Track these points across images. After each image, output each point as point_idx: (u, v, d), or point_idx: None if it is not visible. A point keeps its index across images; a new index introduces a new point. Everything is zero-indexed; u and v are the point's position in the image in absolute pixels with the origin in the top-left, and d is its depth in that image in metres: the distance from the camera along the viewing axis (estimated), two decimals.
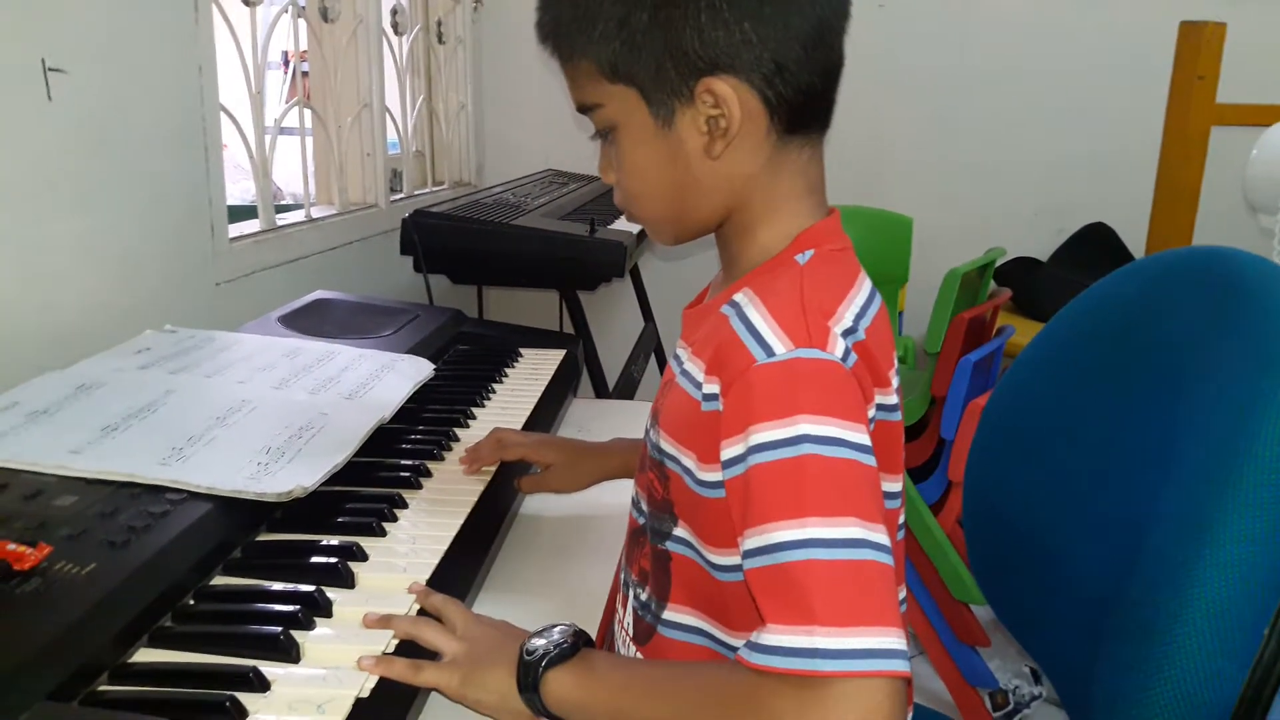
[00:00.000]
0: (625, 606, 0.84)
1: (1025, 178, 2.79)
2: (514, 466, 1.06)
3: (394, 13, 2.31)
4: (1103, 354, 0.86)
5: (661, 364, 2.75)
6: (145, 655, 0.68)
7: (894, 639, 0.57)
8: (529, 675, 0.69)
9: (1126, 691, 0.64)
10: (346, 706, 0.64)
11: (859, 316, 0.69)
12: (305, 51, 1.99)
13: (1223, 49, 1.71)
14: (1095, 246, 2.70)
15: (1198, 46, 1.68)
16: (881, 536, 0.60)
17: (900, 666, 0.57)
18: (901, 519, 0.77)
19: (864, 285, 0.73)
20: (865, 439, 0.63)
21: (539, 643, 0.71)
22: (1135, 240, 2.61)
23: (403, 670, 0.69)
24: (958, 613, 1.86)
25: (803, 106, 0.71)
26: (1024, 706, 1.94)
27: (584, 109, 0.75)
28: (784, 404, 0.62)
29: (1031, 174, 2.78)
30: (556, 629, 0.72)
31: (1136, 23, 2.60)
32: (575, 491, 1.08)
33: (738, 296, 0.70)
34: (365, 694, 0.66)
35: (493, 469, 1.05)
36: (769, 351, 0.65)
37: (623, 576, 0.86)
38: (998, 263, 2.45)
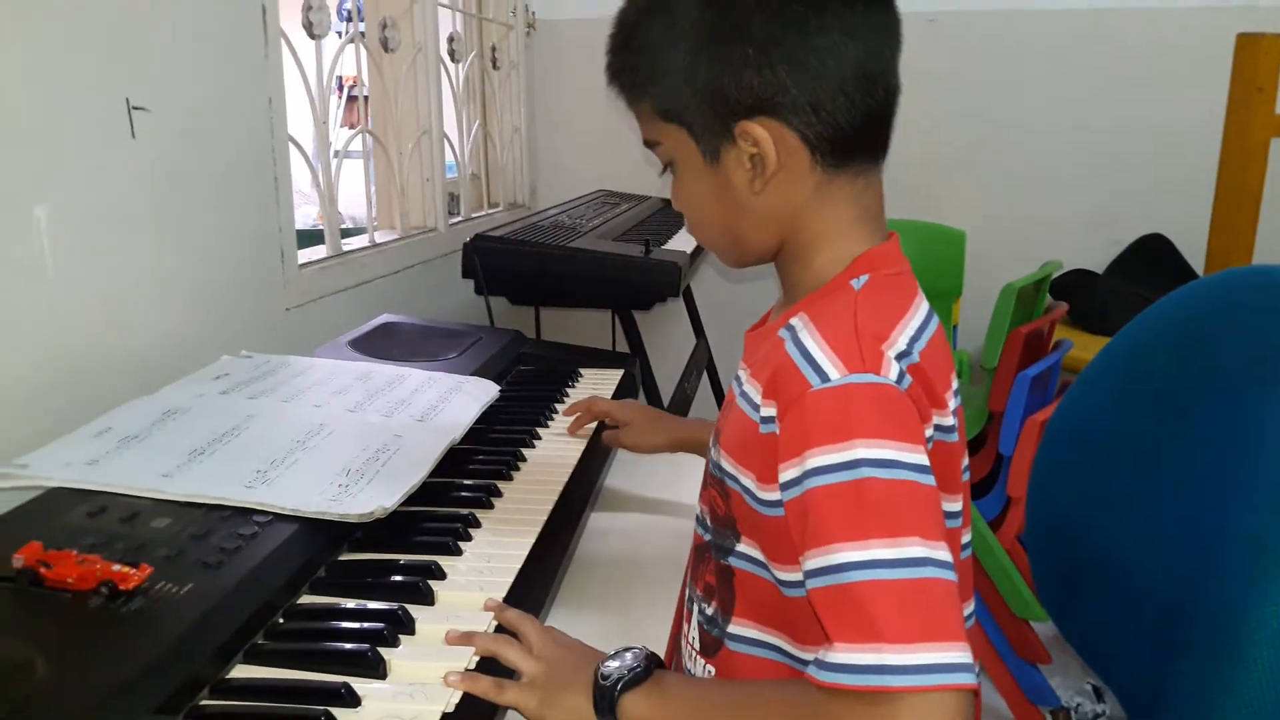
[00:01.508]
0: (690, 621, 0.86)
1: (1080, 190, 2.77)
2: (585, 481, 1.10)
3: (450, 40, 2.37)
4: (1170, 370, 0.87)
5: (714, 381, 2.76)
6: (242, 671, 0.71)
7: (960, 653, 0.59)
8: (604, 699, 0.71)
9: (1195, 709, 0.64)
10: None
11: (913, 340, 0.70)
12: (356, 76, 2.04)
13: None
14: (1152, 258, 2.67)
15: (1255, 58, 1.67)
16: (943, 553, 0.62)
17: (967, 679, 0.59)
18: (966, 538, 0.78)
19: (920, 308, 0.75)
20: (923, 459, 0.64)
21: (613, 666, 0.73)
22: (1192, 252, 2.58)
23: (487, 688, 0.72)
24: (1018, 629, 1.85)
25: (847, 141, 0.74)
26: None
27: (648, 144, 0.81)
28: (839, 429, 0.64)
29: (1086, 186, 2.76)
30: (629, 653, 0.74)
31: (1193, 34, 2.57)
32: (649, 452, 1.20)
33: (794, 320, 0.72)
34: (450, 709, 0.68)
35: (589, 431, 1.21)
36: (824, 377, 0.67)
37: (688, 591, 0.88)
38: (1054, 276, 2.43)
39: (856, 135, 0.74)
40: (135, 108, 1.21)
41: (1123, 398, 0.93)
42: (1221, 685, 0.62)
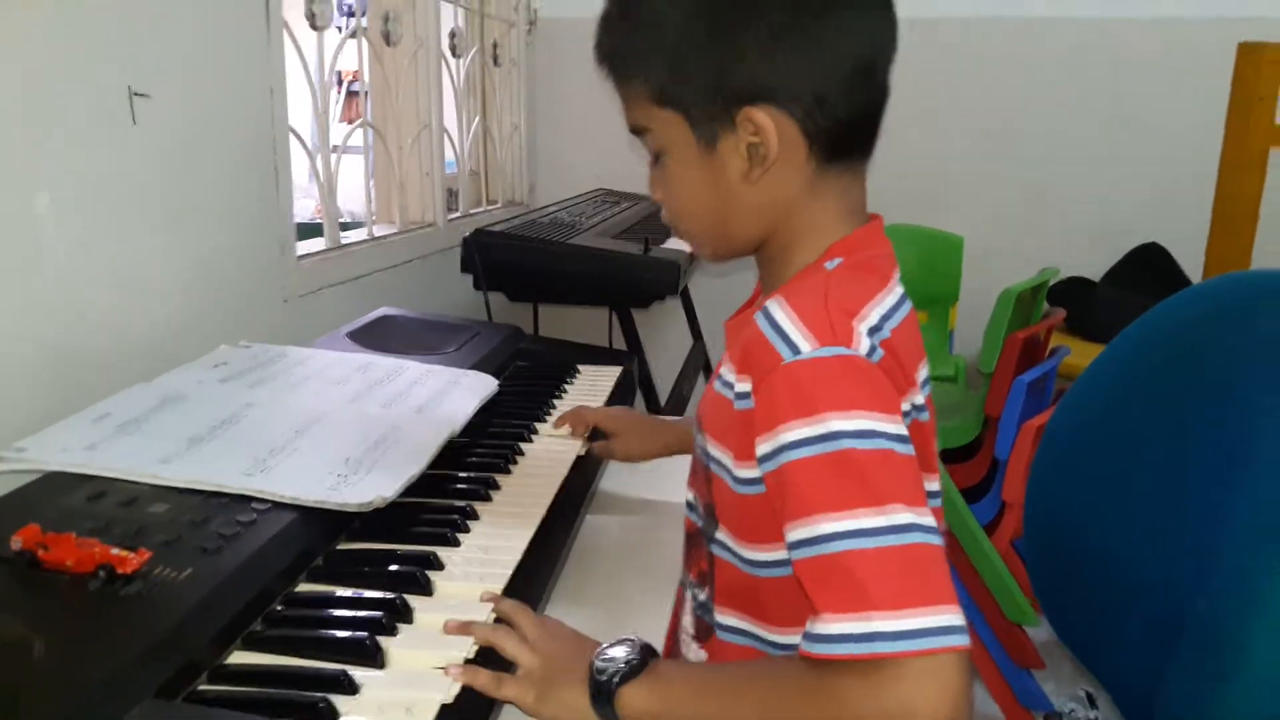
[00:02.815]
0: (685, 608, 0.86)
1: (1078, 198, 2.78)
2: (582, 479, 1.10)
3: (452, 35, 2.37)
4: (1168, 374, 0.87)
5: None
6: (240, 657, 0.71)
7: (952, 615, 0.59)
8: (602, 693, 0.71)
9: (1193, 702, 0.64)
10: (434, 710, 0.66)
11: (885, 317, 0.71)
12: (357, 72, 2.04)
13: None
14: (1149, 267, 2.68)
15: (1257, 68, 1.67)
16: (928, 519, 0.62)
17: (962, 641, 0.59)
18: (942, 525, 0.78)
19: (894, 290, 0.75)
20: (900, 429, 0.65)
21: (608, 659, 0.72)
22: (1189, 261, 2.59)
23: (486, 682, 0.71)
24: (1012, 634, 1.86)
25: (842, 137, 0.73)
26: None
27: (635, 130, 0.79)
28: (811, 402, 0.64)
29: (1085, 194, 2.77)
30: (624, 645, 0.73)
31: (1194, 43, 2.58)
32: (642, 460, 1.17)
33: (768, 302, 0.72)
34: (450, 699, 0.68)
35: (580, 440, 1.18)
36: (795, 350, 0.67)
37: (682, 578, 0.88)
38: (1051, 283, 2.44)
39: (853, 129, 0.74)
40: (136, 94, 1.20)
41: (1121, 401, 0.93)
42: (1221, 677, 0.62)
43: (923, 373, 0.76)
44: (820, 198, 0.75)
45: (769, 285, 0.80)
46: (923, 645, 0.58)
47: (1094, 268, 2.76)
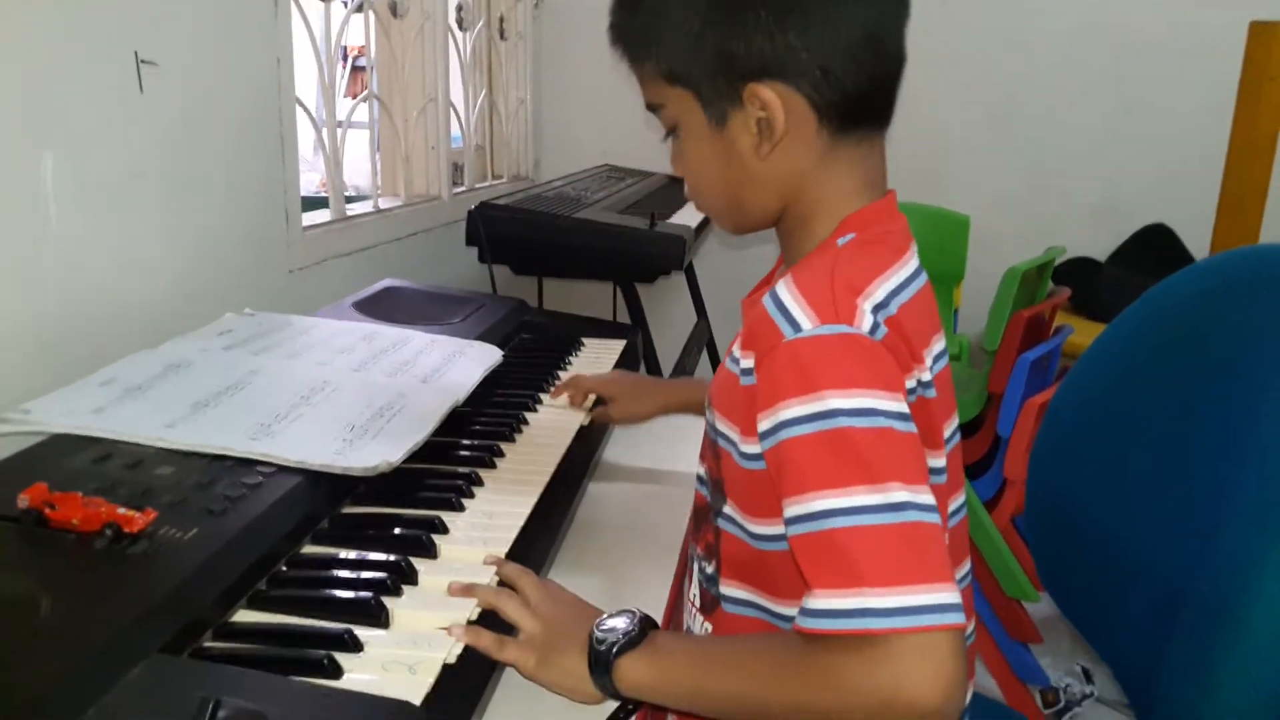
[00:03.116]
0: (691, 580, 0.87)
1: (1085, 178, 2.77)
2: (585, 448, 1.11)
3: (459, 9, 2.36)
4: (1172, 350, 0.87)
5: (714, 359, 2.77)
6: (245, 616, 0.72)
7: (946, 593, 0.60)
8: (600, 663, 0.72)
9: (1193, 673, 0.65)
10: (436, 669, 0.67)
11: (894, 293, 0.71)
12: (363, 47, 2.04)
13: None
14: (1155, 248, 2.68)
15: (1269, 47, 1.66)
16: (926, 497, 0.62)
17: (955, 619, 0.59)
18: (958, 503, 0.79)
19: (907, 264, 0.75)
20: (902, 406, 0.65)
21: (608, 629, 0.73)
22: (1196, 243, 2.59)
23: (489, 643, 0.72)
24: (1010, 610, 1.86)
25: (853, 108, 0.74)
26: (1075, 705, 1.93)
27: (651, 108, 0.80)
28: (810, 379, 0.65)
29: (1092, 174, 2.76)
30: (624, 616, 0.74)
31: (1204, 22, 2.56)
32: (641, 422, 1.20)
33: (779, 281, 0.73)
34: (452, 659, 0.69)
35: (587, 407, 1.20)
36: (796, 327, 0.67)
37: (690, 551, 0.88)
38: (1056, 262, 2.43)
39: (863, 101, 0.74)
40: (144, 61, 1.20)
41: (1125, 376, 0.93)
42: (1221, 649, 0.63)
43: (935, 349, 0.75)
44: (835, 169, 0.76)
45: (789, 258, 0.81)
46: (915, 623, 0.59)
47: (1100, 248, 2.75)
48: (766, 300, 0.71)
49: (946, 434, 0.77)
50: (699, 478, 0.85)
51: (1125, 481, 0.89)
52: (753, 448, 0.72)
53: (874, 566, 0.60)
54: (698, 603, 0.85)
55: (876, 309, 0.68)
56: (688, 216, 2.01)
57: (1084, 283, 2.56)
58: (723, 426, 0.76)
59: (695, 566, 0.85)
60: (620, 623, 0.73)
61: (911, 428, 0.65)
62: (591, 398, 1.21)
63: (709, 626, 0.83)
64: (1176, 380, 0.86)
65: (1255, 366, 0.76)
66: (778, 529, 0.68)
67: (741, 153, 0.75)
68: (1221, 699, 0.62)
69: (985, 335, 2.18)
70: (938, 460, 0.75)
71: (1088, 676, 1.97)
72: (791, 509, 0.64)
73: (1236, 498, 0.69)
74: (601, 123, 2.91)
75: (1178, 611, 0.73)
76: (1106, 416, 0.95)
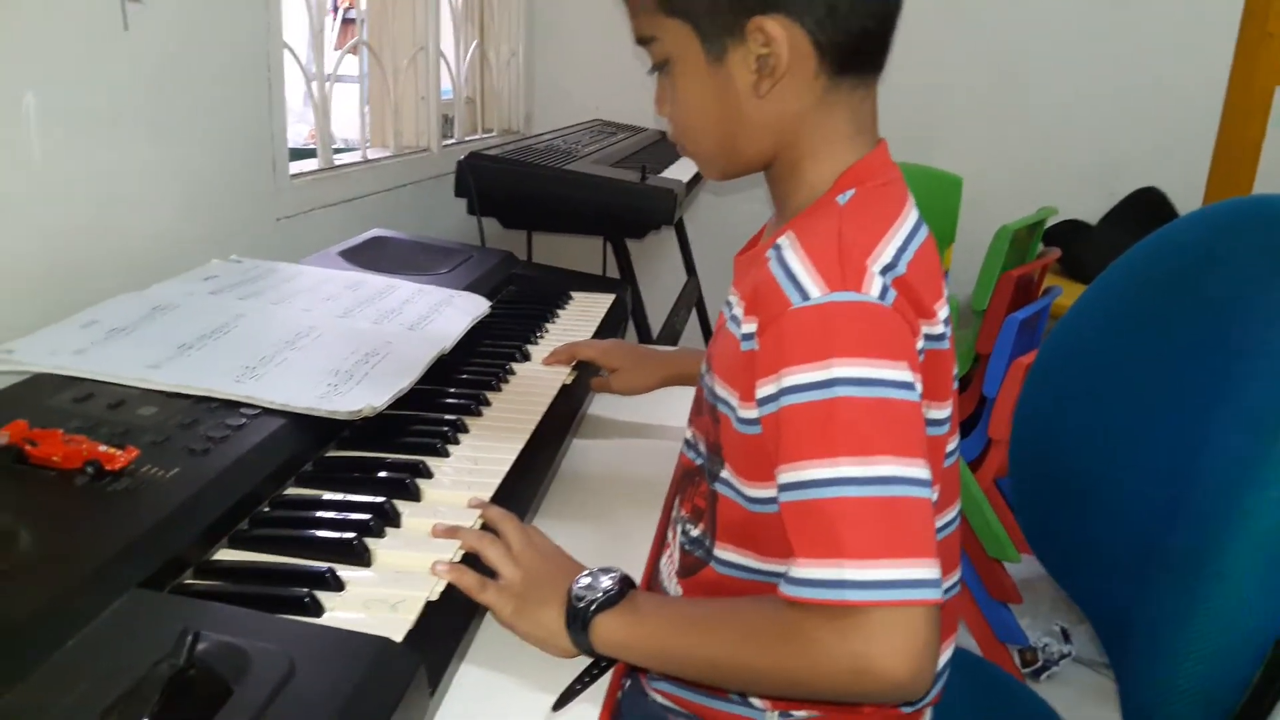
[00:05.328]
0: (674, 542, 0.86)
1: (1079, 140, 2.75)
2: (571, 401, 1.10)
3: None
4: (1158, 301, 0.87)
5: (703, 318, 2.76)
6: (227, 554, 0.72)
7: (925, 569, 0.60)
8: (577, 619, 0.71)
9: (1169, 619, 0.65)
10: (418, 607, 0.67)
11: (901, 250, 0.70)
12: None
13: None
14: (1146, 211, 2.67)
15: (1268, 2, 1.65)
16: (918, 471, 0.62)
17: (931, 595, 0.60)
18: (953, 444, 0.78)
19: (909, 217, 0.74)
20: (905, 374, 0.64)
21: (586, 588, 0.73)
22: (1187, 206, 2.58)
23: (471, 583, 0.72)
24: (991, 569, 1.88)
25: (854, 49, 0.72)
26: (1053, 664, 1.96)
27: (641, 41, 0.77)
28: (818, 348, 0.64)
29: (1085, 136, 2.75)
30: (605, 575, 0.74)
31: None
32: (640, 393, 1.17)
33: (781, 240, 0.71)
34: (435, 597, 0.69)
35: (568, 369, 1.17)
36: (805, 295, 0.66)
37: (673, 513, 0.88)
38: (1048, 223, 2.43)
39: (864, 43, 0.72)
40: None
41: (1111, 327, 0.94)
42: (1197, 595, 0.63)
43: (942, 299, 0.74)
44: (831, 113, 0.74)
45: (780, 206, 0.79)
46: (890, 596, 0.59)
47: (1091, 211, 2.74)
48: (773, 264, 0.69)
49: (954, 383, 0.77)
50: (688, 441, 0.85)
51: (1107, 431, 0.90)
52: (750, 413, 0.71)
53: (855, 538, 0.60)
54: (676, 564, 0.84)
55: (885, 270, 0.67)
56: (679, 171, 2.00)
57: (1075, 245, 2.56)
58: (722, 391, 0.75)
59: (679, 529, 0.85)
60: (600, 581, 0.73)
61: (914, 396, 0.64)
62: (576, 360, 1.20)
63: (681, 591, 0.83)
64: (1161, 330, 0.86)
65: (1240, 314, 0.76)
66: (772, 492, 0.68)
67: (738, 91, 0.73)
68: (1199, 642, 0.63)
69: (974, 294, 2.18)
70: (942, 411, 0.74)
71: (1066, 636, 1.99)
72: (784, 476, 0.64)
73: (1213, 443, 0.69)
74: (594, 76, 2.88)
75: (1155, 555, 0.74)
76: (1091, 368, 0.95)
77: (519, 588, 0.74)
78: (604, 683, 0.72)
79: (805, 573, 0.62)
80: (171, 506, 0.68)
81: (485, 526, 0.80)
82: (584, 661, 0.73)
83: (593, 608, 0.71)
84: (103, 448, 0.71)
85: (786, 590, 0.63)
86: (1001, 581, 1.90)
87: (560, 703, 0.70)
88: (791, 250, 0.69)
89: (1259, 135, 1.75)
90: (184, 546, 0.68)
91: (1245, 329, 0.73)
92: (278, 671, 0.54)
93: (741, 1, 0.70)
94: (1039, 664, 1.96)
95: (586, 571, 0.75)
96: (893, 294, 0.67)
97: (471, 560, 0.76)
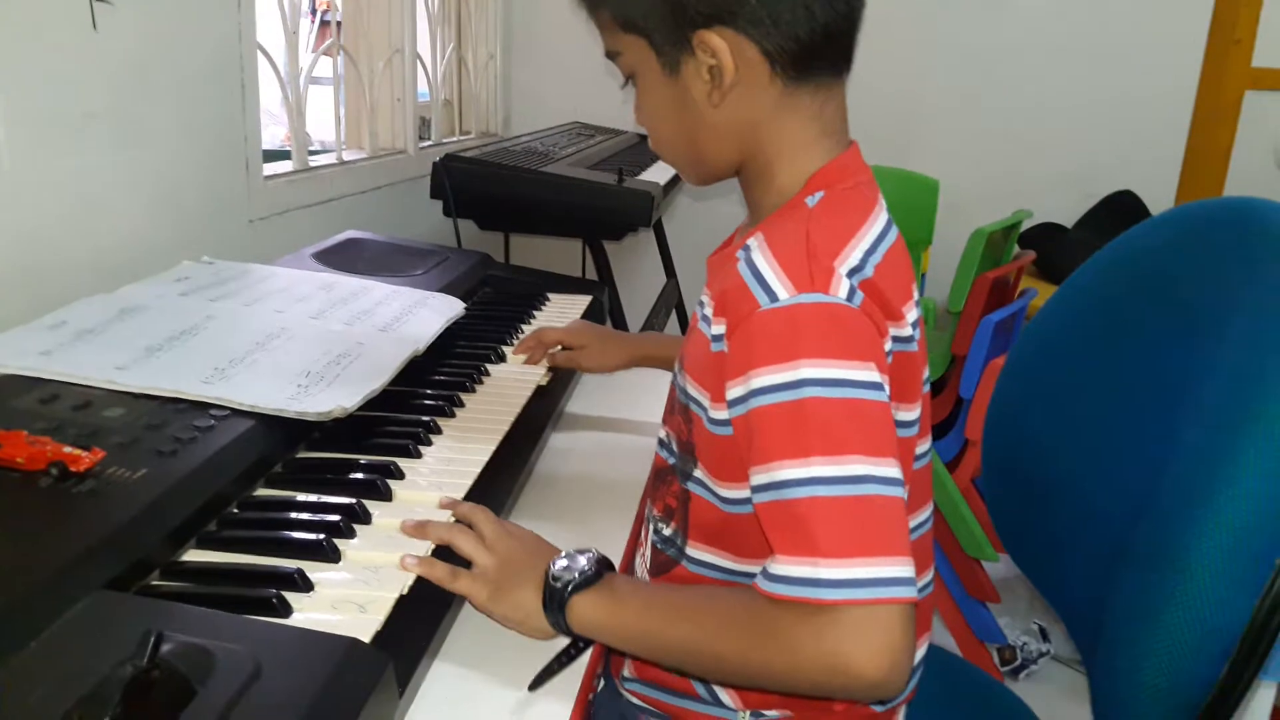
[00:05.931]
0: (646, 540, 0.86)
1: (1054, 144, 2.77)
2: (546, 402, 1.11)
3: None
4: (1127, 300, 0.88)
5: (682, 319, 2.76)
6: (194, 556, 0.71)
7: (898, 568, 0.60)
8: (554, 599, 0.72)
9: (1138, 616, 0.66)
10: (388, 607, 0.66)
11: (868, 253, 0.70)
12: (330, 1, 2.00)
13: (1260, 12, 1.70)
14: (1120, 214, 2.69)
15: (1236, 9, 1.67)
16: (889, 470, 0.63)
17: (905, 593, 0.60)
18: (924, 447, 0.79)
19: (877, 220, 0.74)
20: (873, 375, 0.65)
21: (564, 568, 0.73)
22: (1159, 208, 2.60)
23: (442, 574, 0.72)
24: (969, 568, 1.89)
25: (809, 54, 0.73)
26: (1031, 662, 1.97)
27: (610, 55, 0.80)
28: (785, 349, 0.65)
29: (1061, 140, 2.76)
30: (582, 556, 0.74)
31: None
32: (604, 372, 1.19)
33: (750, 241, 0.72)
34: (405, 592, 0.69)
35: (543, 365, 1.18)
36: (773, 297, 0.67)
37: (646, 511, 0.88)
38: (1024, 226, 2.44)
39: (817, 48, 0.73)
40: None
41: (1080, 329, 0.94)
42: (1166, 592, 0.64)
43: (912, 302, 0.75)
44: (792, 118, 0.75)
45: (753, 209, 0.80)
46: (864, 595, 0.59)
47: (1067, 214, 2.76)
48: (741, 266, 0.70)
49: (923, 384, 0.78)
50: (660, 441, 0.85)
51: (1076, 430, 0.90)
52: (721, 413, 0.71)
53: (829, 537, 0.61)
54: (649, 563, 0.85)
55: (852, 272, 0.68)
56: (656, 174, 2.00)
57: (1050, 248, 2.58)
58: (694, 391, 0.76)
59: (651, 528, 0.85)
60: (577, 561, 0.74)
61: (883, 396, 0.65)
62: (550, 351, 1.20)
63: None
64: (1128, 329, 0.87)
65: (1205, 312, 0.76)
66: (746, 493, 0.68)
67: (696, 100, 0.75)
68: (1166, 638, 0.63)
69: (950, 296, 2.19)
70: (911, 413, 0.75)
71: (1044, 635, 2.00)
72: (756, 477, 0.65)
73: (1180, 439, 0.69)
74: (572, 79, 2.88)
75: (1124, 557, 0.74)
76: (1059, 367, 0.95)
77: (494, 574, 0.75)
78: (576, 680, 0.72)
79: (782, 569, 0.62)
80: (137, 508, 0.67)
81: (458, 522, 0.80)
82: (561, 643, 0.73)
83: (570, 588, 0.71)
84: (68, 449, 0.71)
85: (764, 586, 0.63)
86: (980, 581, 1.91)
87: (536, 683, 0.70)
88: (760, 252, 0.70)
89: (1229, 139, 1.77)
90: (150, 548, 0.67)
91: (1209, 327, 0.74)
92: (243, 672, 0.53)
93: (686, 16, 0.72)
94: (1018, 662, 1.97)
95: (564, 553, 0.75)
96: (860, 296, 0.67)
97: (446, 555, 0.75)
